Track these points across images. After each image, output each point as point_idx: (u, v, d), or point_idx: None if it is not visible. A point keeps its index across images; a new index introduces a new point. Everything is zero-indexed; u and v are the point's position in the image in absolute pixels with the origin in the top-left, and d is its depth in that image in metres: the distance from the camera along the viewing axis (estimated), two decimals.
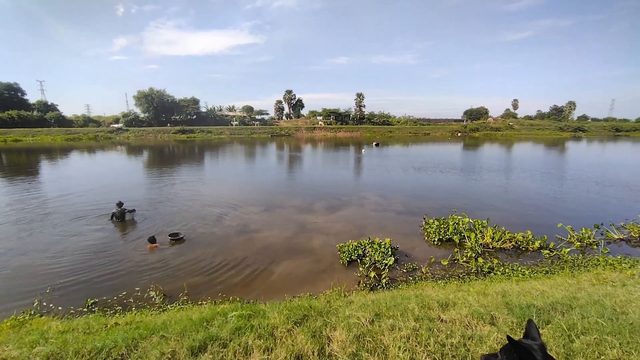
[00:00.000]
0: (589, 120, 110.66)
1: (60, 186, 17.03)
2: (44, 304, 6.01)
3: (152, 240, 8.82)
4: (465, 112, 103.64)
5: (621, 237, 9.44)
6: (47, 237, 9.54)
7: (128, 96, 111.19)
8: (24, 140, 55.16)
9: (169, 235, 9.30)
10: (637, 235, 9.49)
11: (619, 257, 7.87)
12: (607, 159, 33.31)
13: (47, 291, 6.44)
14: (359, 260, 7.83)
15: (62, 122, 71.08)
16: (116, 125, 72.74)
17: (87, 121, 75.63)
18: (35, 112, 70.42)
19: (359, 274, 7.29)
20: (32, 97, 75.23)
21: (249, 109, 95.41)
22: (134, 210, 11.29)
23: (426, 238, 9.58)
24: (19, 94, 70.50)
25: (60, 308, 5.87)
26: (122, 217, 10.82)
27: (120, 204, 10.93)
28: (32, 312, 5.64)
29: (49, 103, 75.26)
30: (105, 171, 24.07)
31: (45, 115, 69.71)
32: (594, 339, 3.05)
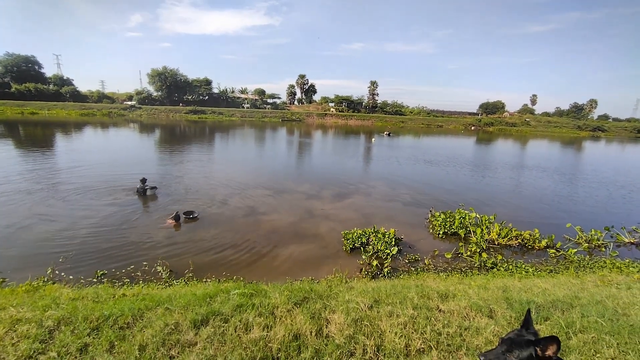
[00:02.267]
0: (610, 120, 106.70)
1: (75, 159, 17.42)
2: (57, 272, 6.26)
3: (176, 217, 9.04)
4: (481, 106, 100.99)
5: (632, 240, 9.26)
6: (60, 208, 9.84)
7: (142, 74, 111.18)
8: (40, 114, 56.15)
9: (184, 214, 9.49)
10: None
11: (628, 260, 7.76)
12: (633, 161, 32.30)
13: (60, 260, 6.69)
14: (362, 248, 7.89)
15: (77, 97, 71.83)
16: (129, 103, 73.33)
17: (101, 97, 76.28)
18: (51, 86, 71.27)
19: (361, 262, 7.36)
20: (48, 70, 75.57)
21: (260, 92, 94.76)
22: (155, 187, 11.93)
23: (431, 230, 9.56)
24: (36, 67, 71.16)
25: (71, 277, 6.11)
26: (143, 193, 11.45)
27: (143, 180, 11.52)
28: (46, 279, 5.89)
29: (65, 77, 75.85)
30: (118, 147, 24.47)
31: (61, 90, 70.47)
32: (592, 337, 3.05)
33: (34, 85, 65.72)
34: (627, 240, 9.24)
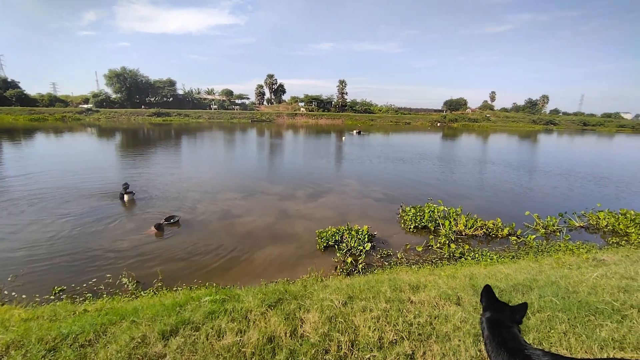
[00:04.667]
0: (560, 114, 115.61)
1: (25, 167, 15.99)
2: (6, 292, 5.72)
3: (158, 227, 8.66)
4: (445, 103, 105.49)
5: (581, 224, 10.10)
6: (8, 221, 9.01)
7: (98, 75, 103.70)
8: None
9: (165, 219, 9.14)
10: (594, 222, 10.18)
11: (578, 242, 8.46)
12: (581, 152, 35.18)
13: (9, 279, 6.13)
14: (336, 246, 7.95)
15: (25, 100, 65.98)
16: (85, 106, 68.60)
17: (53, 101, 70.59)
18: None
19: (336, 260, 7.42)
20: None
21: (228, 93, 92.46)
22: (132, 193, 11.50)
23: (402, 225, 9.83)
24: None
25: (24, 296, 5.61)
26: (122, 198, 11.16)
27: (124, 186, 11.30)
28: None
29: (9, 79, 69.52)
30: (74, 153, 22.81)
31: (5, 93, 64.49)
32: (547, 315, 3.29)
33: None
34: (577, 225, 10.07)
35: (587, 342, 2.87)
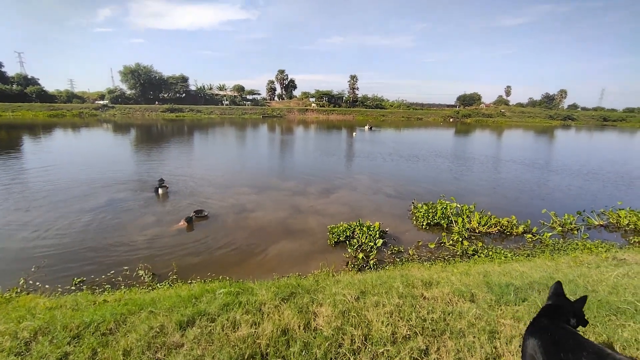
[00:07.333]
0: (579, 109, 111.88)
1: (46, 162, 16.55)
2: (30, 282, 5.97)
3: (188, 220, 8.94)
4: (459, 98, 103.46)
5: (601, 223, 9.80)
6: (30, 214, 9.35)
7: (113, 71, 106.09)
8: (4, 116, 52.95)
9: (194, 212, 9.47)
10: (615, 221, 9.87)
11: (597, 241, 8.22)
12: (602, 149, 34.03)
13: (32, 270, 6.38)
14: (347, 242, 7.96)
15: (44, 97, 67.99)
16: (101, 102, 70.30)
17: (70, 97, 72.56)
18: (14, 86, 67.12)
19: (348, 255, 7.43)
20: (10, 69, 70.84)
21: (240, 89, 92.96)
22: (165, 187, 11.91)
23: (414, 222, 9.76)
24: None
25: (47, 286, 5.84)
26: (156, 191, 11.61)
27: (160, 180, 12.01)
28: (19, 290, 5.61)
29: (29, 77, 71.64)
30: (92, 148, 23.44)
31: (26, 90, 66.47)
32: None
33: None
34: (596, 223, 9.78)
35: (608, 342, 2.81)
